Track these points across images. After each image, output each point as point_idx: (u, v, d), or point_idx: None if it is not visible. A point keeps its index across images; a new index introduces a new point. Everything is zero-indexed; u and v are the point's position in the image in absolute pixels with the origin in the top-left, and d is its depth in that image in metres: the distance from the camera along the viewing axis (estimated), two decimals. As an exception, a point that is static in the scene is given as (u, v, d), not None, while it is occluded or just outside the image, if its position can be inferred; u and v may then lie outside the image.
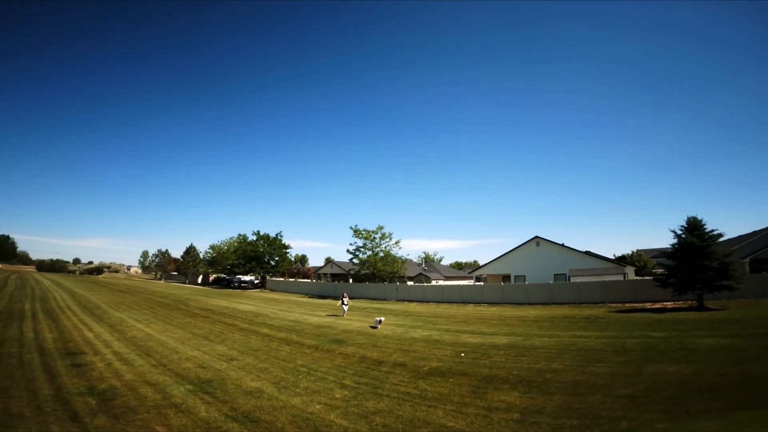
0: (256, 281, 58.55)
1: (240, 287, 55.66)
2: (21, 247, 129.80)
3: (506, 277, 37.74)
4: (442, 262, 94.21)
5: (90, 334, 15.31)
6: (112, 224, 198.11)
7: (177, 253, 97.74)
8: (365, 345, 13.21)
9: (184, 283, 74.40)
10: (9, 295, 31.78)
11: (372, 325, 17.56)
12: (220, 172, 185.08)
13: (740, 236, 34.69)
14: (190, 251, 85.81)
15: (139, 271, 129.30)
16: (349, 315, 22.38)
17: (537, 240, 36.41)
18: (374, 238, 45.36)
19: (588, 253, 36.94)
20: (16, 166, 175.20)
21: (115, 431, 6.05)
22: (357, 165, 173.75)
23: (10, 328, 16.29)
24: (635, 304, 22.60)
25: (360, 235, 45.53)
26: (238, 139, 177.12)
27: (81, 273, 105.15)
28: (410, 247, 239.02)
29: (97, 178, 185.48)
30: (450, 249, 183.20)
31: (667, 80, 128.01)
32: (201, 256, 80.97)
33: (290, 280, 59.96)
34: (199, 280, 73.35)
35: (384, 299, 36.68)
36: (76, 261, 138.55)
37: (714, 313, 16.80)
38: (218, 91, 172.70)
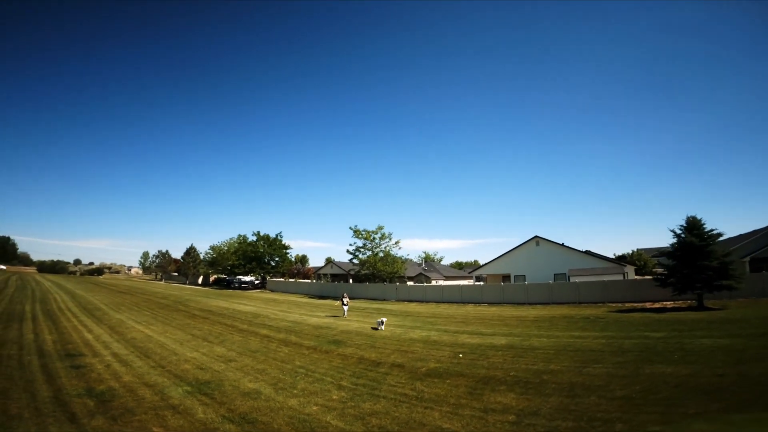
0: (256, 282, 58.57)
1: (240, 288, 55.69)
2: (22, 248, 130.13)
3: (506, 277, 37.72)
4: (442, 262, 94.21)
5: (89, 336, 15.33)
6: (112, 225, 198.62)
7: (177, 253, 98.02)
8: (364, 346, 13.22)
9: (185, 283, 74.46)
10: (9, 297, 31.83)
11: (374, 326, 17.49)
12: (221, 172, 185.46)
13: (740, 235, 34.62)
14: (191, 252, 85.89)
15: (140, 271, 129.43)
16: (349, 315, 22.39)
17: (537, 240, 36.38)
18: (374, 238, 45.37)
19: (588, 252, 36.90)
20: (16, 168, 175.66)
21: (112, 432, 6.07)
22: (357, 165, 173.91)
23: (10, 329, 16.31)
24: (635, 304, 22.58)
25: (360, 236, 45.55)
26: (238, 140, 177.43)
27: (82, 274, 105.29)
28: (410, 246, 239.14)
29: (98, 179, 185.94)
30: (450, 249, 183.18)
31: (667, 80, 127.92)
32: (201, 257, 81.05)
33: (290, 280, 59.97)
34: (200, 280, 73.41)
35: (384, 299, 36.68)
36: (77, 262, 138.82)
37: (713, 313, 16.78)
38: (218, 92, 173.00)
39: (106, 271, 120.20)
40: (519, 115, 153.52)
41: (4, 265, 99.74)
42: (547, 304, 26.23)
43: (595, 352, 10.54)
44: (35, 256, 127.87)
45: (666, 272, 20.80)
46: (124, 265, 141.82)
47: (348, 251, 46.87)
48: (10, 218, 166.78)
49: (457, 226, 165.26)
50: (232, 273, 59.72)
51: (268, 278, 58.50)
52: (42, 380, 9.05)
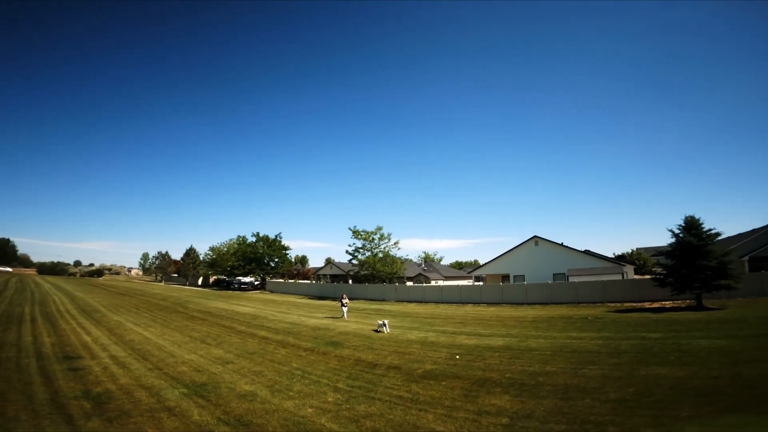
0: (256, 283, 58.60)
1: (240, 289, 55.73)
2: (22, 250, 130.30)
3: (505, 277, 37.72)
4: (442, 262, 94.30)
5: (88, 338, 15.35)
6: (112, 226, 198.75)
7: (177, 255, 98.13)
8: (361, 347, 13.23)
9: (184, 285, 74.47)
10: (9, 299, 31.86)
11: (375, 328, 17.19)
12: (220, 173, 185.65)
13: (739, 234, 34.59)
14: (190, 253, 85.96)
15: (140, 273, 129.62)
16: (348, 316, 22.38)
17: (536, 239, 36.38)
18: (373, 239, 45.38)
19: (587, 252, 36.91)
20: (16, 169, 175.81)
21: (107, 435, 6.10)
22: (357, 165, 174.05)
23: (9, 332, 16.33)
24: (634, 304, 22.59)
25: (359, 236, 45.57)
26: (237, 140, 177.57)
27: (81, 275, 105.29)
28: (410, 246, 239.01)
29: (98, 181, 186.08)
30: (450, 248, 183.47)
31: (666, 79, 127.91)
32: (201, 258, 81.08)
33: (290, 281, 60.00)
34: (200, 281, 73.43)
35: (383, 300, 36.69)
36: (77, 263, 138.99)
37: (712, 313, 16.78)
38: (218, 92, 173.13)
39: (106, 272, 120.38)
40: (518, 114, 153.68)
41: (9, 267, 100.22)
42: (546, 304, 26.23)
43: (592, 353, 10.55)
44: (35, 258, 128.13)
45: (665, 272, 20.80)
46: (124, 267, 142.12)
47: (347, 252, 46.96)
48: (10, 220, 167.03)
49: (456, 226, 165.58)
50: (232, 274, 59.74)
51: (267, 279, 58.53)
52: (39, 382, 9.08)
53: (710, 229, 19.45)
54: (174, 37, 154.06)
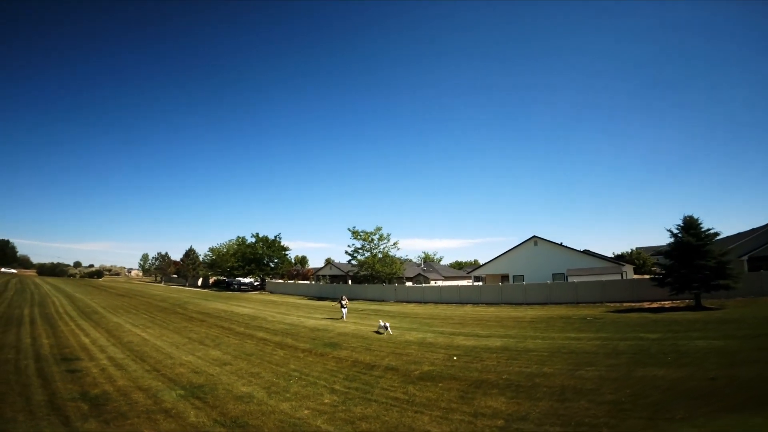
0: (255, 283, 58.60)
1: (240, 290, 55.73)
2: (22, 251, 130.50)
3: (505, 277, 37.73)
4: (442, 262, 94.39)
5: (86, 340, 15.36)
6: (112, 227, 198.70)
7: (177, 255, 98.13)
8: (359, 348, 13.24)
9: (184, 285, 74.47)
10: (8, 300, 31.88)
11: (376, 330, 16.97)
12: (220, 174, 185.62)
13: (739, 234, 34.60)
14: (190, 254, 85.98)
15: (140, 274, 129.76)
16: (347, 317, 22.36)
17: (535, 239, 36.39)
18: (372, 239, 45.39)
19: (586, 252, 36.92)
20: (16, 171, 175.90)
21: (103, 437, 6.11)
22: (357, 165, 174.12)
23: (8, 334, 16.35)
24: (633, 304, 22.59)
25: (358, 237, 45.57)
26: (237, 141, 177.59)
27: (81, 276, 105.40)
28: (410, 246, 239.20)
29: (98, 182, 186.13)
30: (450, 248, 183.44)
31: (666, 78, 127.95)
32: (201, 259, 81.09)
33: (289, 281, 59.99)
34: (199, 282, 73.44)
35: (382, 300, 36.69)
36: (77, 264, 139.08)
37: (710, 313, 16.77)
38: (217, 93, 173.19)
39: (106, 273, 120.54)
40: (518, 114, 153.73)
41: (12, 269, 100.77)
42: (546, 304, 26.23)
43: (589, 354, 10.55)
44: (35, 259, 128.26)
45: (663, 272, 20.80)
46: (124, 268, 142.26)
47: (346, 252, 47.00)
48: (10, 221, 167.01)
49: (456, 226, 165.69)
50: (232, 275, 59.75)
51: (267, 280, 58.53)
52: (37, 384, 9.11)
53: (709, 229, 19.46)
54: (174, 37, 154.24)
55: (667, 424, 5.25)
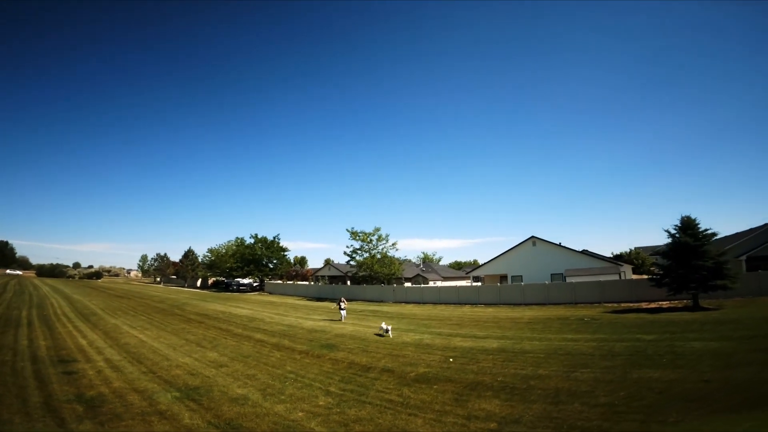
0: (254, 284, 58.57)
1: (239, 290, 55.71)
2: (21, 252, 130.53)
3: (503, 278, 37.74)
4: (441, 262, 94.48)
5: (84, 342, 15.35)
6: (111, 228, 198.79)
7: (176, 256, 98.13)
8: (356, 350, 13.23)
9: (183, 286, 74.43)
10: (7, 302, 31.85)
11: (377, 332, 16.59)
12: (219, 174, 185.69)
13: (737, 233, 34.65)
14: (189, 255, 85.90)
15: (139, 274, 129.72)
16: (346, 318, 22.35)
17: (533, 240, 36.39)
18: (371, 240, 45.39)
19: (584, 252, 36.93)
20: (15, 172, 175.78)
21: (98, 438, 6.12)
22: (356, 165, 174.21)
23: (5, 335, 16.34)
24: (631, 304, 22.61)
25: (357, 237, 45.56)
26: (236, 141, 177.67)
27: (80, 277, 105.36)
28: (410, 246, 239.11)
29: (97, 183, 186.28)
30: (450, 248, 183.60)
31: (664, 78, 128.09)
32: (200, 260, 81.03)
33: (288, 282, 59.95)
34: (198, 283, 73.39)
35: (381, 301, 36.69)
36: (76, 265, 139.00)
37: (708, 314, 16.78)
38: (217, 93, 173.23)
39: (105, 274, 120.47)
40: (517, 114, 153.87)
41: (18, 270, 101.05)
42: (544, 304, 26.24)
43: (585, 355, 10.56)
44: (34, 260, 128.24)
45: (661, 272, 20.83)
46: (123, 268, 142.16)
47: (345, 253, 47.01)
48: (9, 222, 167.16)
49: (456, 226, 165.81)
50: (231, 276, 59.73)
51: (266, 281, 58.52)
52: (34, 386, 9.12)
53: (706, 229, 19.48)
54: (174, 37, 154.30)
55: (660, 426, 5.26)
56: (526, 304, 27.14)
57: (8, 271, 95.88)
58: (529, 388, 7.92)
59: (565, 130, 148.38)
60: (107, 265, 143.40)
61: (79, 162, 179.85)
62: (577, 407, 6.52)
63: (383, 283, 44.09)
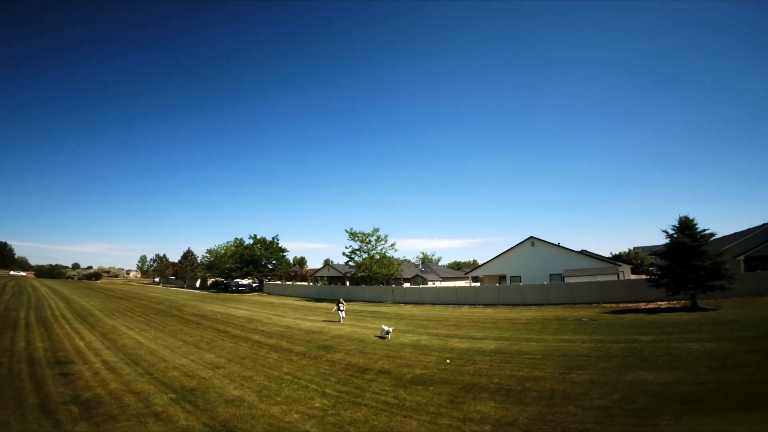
0: (254, 285, 58.51)
1: (238, 291, 55.65)
2: (20, 253, 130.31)
3: (502, 278, 37.71)
4: (441, 262, 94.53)
5: (81, 343, 15.35)
6: (111, 229, 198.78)
7: (175, 257, 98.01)
8: (353, 351, 13.22)
9: (182, 287, 74.33)
10: (5, 303, 31.83)
11: (379, 334, 16.31)
12: (219, 174, 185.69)
13: (735, 233, 34.67)
14: (188, 256, 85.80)
15: (138, 275, 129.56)
16: (344, 319, 22.31)
17: (532, 240, 36.38)
18: (370, 240, 45.37)
19: (583, 252, 36.93)
20: (14, 172, 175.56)
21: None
22: (356, 165, 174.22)
23: (3, 337, 16.36)
24: (629, 305, 22.58)
25: (355, 238, 45.52)
26: (235, 142, 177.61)
27: (79, 278, 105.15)
28: (409, 247, 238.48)
29: (96, 183, 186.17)
30: (449, 248, 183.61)
31: (664, 78, 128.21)
32: (198, 261, 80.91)
33: (287, 283, 59.91)
34: (197, 284, 73.31)
35: (380, 302, 36.66)
36: (75, 266, 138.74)
37: (706, 314, 16.77)
38: (217, 93, 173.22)
39: (104, 275, 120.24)
40: (516, 114, 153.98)
41: (22, 272, 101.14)
42: (542, 305, 26.22)
43: (582, 357, 10.54)
44: (33, 261, 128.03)
45: (659, 273, 20.81)
46: (122, 269, 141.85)
47: (344, 254, 46.98)
48: (8, 223, 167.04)
49: (455, 226, 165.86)
50: (230, 276, 59.67)
51: (265, 281, 58.46)
52: (30, 388, 9.15)
53: (704, 230, 19.45)
54: (174, 37, 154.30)
55: (653, 429, 5.25)
56: (525, 305, 27.13)
57: (12, 272, 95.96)
58: (524, 390, 7.91)
59: (564, 130, 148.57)
60: (106, 265, 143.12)
61: (79, 162, 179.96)
62: (572, 409, 6.52)
63: (382, 283, 44.05)
